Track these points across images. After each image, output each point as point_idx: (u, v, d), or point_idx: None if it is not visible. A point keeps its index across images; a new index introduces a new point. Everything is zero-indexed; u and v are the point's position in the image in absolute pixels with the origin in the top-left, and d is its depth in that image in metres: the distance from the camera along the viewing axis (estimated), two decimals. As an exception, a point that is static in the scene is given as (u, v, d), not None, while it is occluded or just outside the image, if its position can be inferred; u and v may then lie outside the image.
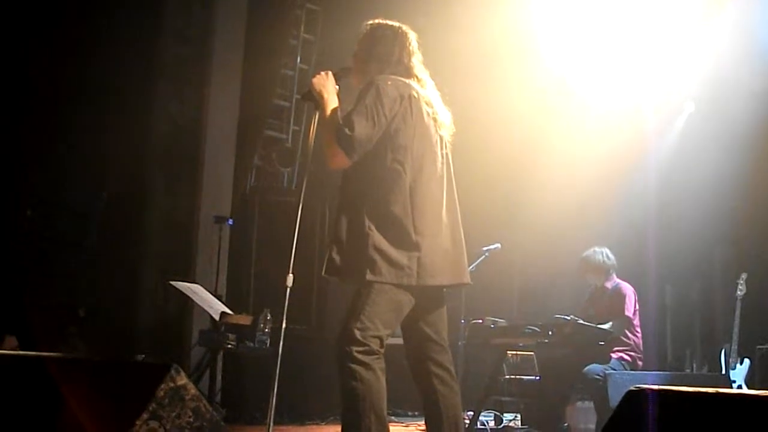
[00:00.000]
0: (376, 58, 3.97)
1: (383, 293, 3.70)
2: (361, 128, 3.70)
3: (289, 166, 9.20)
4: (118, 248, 8.26)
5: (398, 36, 4.01)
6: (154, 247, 8.44)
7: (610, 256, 7.01)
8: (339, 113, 3.87)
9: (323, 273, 3.83)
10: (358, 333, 3.64)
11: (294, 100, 9.29)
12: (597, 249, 7.03)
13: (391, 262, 3.69)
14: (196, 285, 7.17)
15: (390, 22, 4.06)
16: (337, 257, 3.76)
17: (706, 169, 8.18)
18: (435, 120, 3.93)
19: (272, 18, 9.15)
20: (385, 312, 3.71)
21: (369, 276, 3.69)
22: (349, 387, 3.62)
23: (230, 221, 8.18)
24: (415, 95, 3.87)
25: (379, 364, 3.67)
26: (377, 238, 3.70)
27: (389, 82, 3.83)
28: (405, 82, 3.89)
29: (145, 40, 8.53)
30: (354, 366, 3.61)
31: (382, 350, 3.70)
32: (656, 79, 8.02)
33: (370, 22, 4.08)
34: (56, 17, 7.84)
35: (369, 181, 3.79)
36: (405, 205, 3.75)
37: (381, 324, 3.69)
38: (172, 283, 7.11)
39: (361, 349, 3.63)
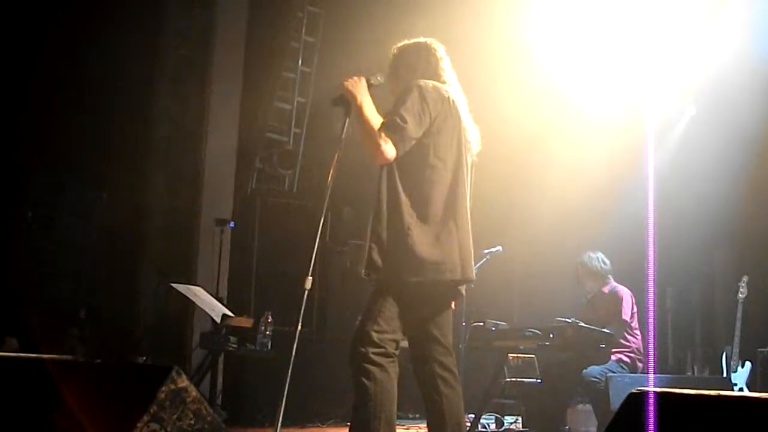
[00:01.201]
0: (404, 67, 4.03)
1: (403, 294, 3.74)
2: (411, 122, 3.75)
3: (291, 169, 9.19)
4: (118, 250, 8.26)
5: (422, 47, 4.08)
6: (155, 249, 8.44)
7: (606, 260, 6.99)
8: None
9: (364, 275, 3.83)
10: (374, 335, 3.68)
11: (295, 103, 9.28)
12: (591, 254, 7.00)
13: (432, 260, 3.72)
14: (197, 287, 7.17)
15: (415, 39, 4.12)
16: (378, 259, 3.77)
17: (707, 171, 8.17)
18: (465, 129, 3.99)
19: (273, 20, 9.16)
20: (403, 314, 3.76)
21: (410, 276, 3.72)
22: (362, 387, 3.65)
23: (231, 224, 8.18)
24: (453, 98, 3.94)
25: (393, 367, 3.71)
26: (417, 236, 3.73)
27: (431, 84, 3.89)
28: (443, 86, 3.96)
29: (146, 42, 8.54)
30: (369, 366, 3.65)
31: (397, 353, 3.73)
32: (657, 82, 8.01)
33: (397, 44, 4.14)
34: (57, 18, 7.84)
35: (411, 178, 3.82)
36: (446, 202, 3.81)
37: (397, 327, 3.74)
38: (173, 285, 7.11)
39: (377, 350, 3.67)
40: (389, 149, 3.74)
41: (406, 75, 3.99)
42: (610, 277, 7.00)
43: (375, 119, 3.82)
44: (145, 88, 8.57)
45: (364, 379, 3.64)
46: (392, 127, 3.74)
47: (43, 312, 7.48)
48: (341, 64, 4.07)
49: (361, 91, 3.89)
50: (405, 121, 3.73)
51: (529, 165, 9.12)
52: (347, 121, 3.92)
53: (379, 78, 4.00)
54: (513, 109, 8.46)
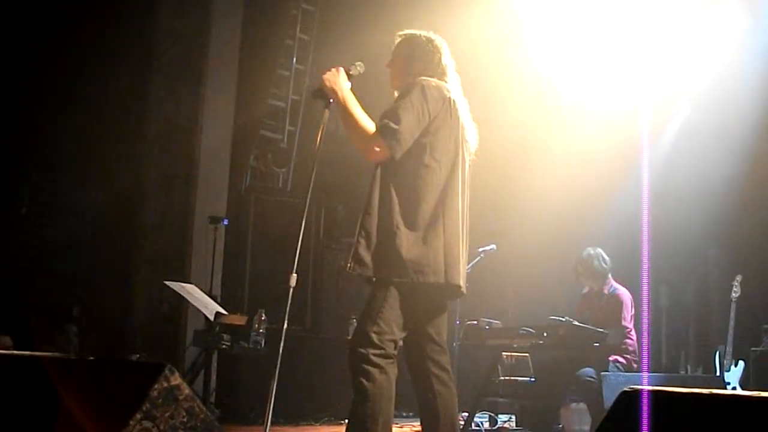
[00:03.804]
0: (418, 60, 3.99)
1: (400, 294, 3.72)
2: (407, 123, 3.72)
3: (285, 167, 9.18)
4: (113, 248, 8.25)
5: (434, 44, 4.05)
6: (149, 246, 8.43)
7: (606, 259, 6.94)
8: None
9: (348, 270, 3.79)
10: (374, 336, 3.66)
11: (290, 101, 9.27)
12: (592, 252, 6.94)
13: (415, 261, 3.70)
14: (190, 285, 7.16)
15: (425, 32, 4.09)
16: (365, 255, 3.74)
17: (701, 170, 8.18)
18: (463, 127, 3.97)
19: (268, 18, 9.15)
20: (401, 314, 3.73)
21: (393, 276, 3.70)
22: (362, 388, 3.63)
23: (225, 221, 8.17)
24: (454, 99, 3.93)
25: (392, 368, 3.69)
26: (404, 236, 3.71)
27: (433, 83, 3.88)
28: (446, 86, 3.95)
29: (141, 40, 8.53)
30: (369, 367, 3.63)
31: (396, 353, 3.72)
32: (653, 80, 8.02)
33: (404, 32, 4.11)
34: (53, 16, 7.83)
35: (404, 177, 3.79)
36: (437, 203, 3.78)
37: (396, 327, 3.72)
38: (167, 283, 7.10)
39: (377, 352, 3.65)
40: (382, 153, 3.74)
41: (416, 69, 3.96)
42: (609, 276, 6.98)
43: (362, 117, 3.81)
44: (140, 86, 8.56)
45: (363, 381, 3.62)
46: (385, 131, 3.72)
47: (36, 309, 7.47)
48: (336, 62, 4.03)
49: (341, 85, 3.87)
50: (399, 122, 3.70)
51: (523, 163, 9.12)
52: (327, 114, 3.89)
53: (359, 68, 3.97)
54: (508, 106, 8.46)
